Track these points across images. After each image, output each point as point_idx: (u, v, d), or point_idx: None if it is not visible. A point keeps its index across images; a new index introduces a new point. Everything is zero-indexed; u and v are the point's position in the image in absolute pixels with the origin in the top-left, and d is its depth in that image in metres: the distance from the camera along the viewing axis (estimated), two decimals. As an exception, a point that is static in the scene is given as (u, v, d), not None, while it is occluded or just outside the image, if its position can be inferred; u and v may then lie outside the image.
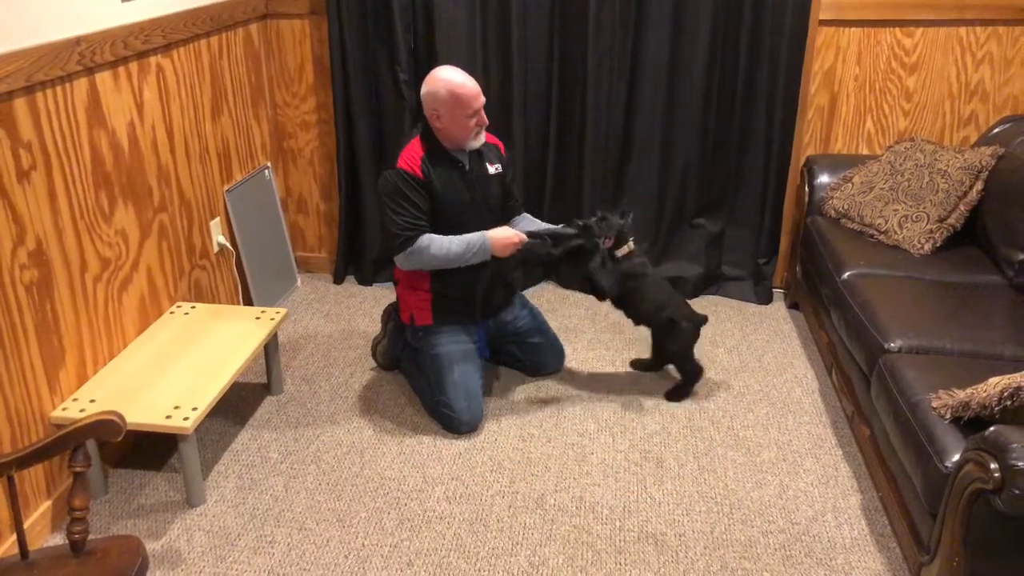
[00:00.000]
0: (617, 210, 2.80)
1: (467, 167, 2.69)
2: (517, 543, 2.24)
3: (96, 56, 2.33)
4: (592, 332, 3.32)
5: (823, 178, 3.31)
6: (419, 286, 2.75)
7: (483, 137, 2.66)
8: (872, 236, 3.06)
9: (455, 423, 2.68)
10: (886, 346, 2.36)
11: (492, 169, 2.76)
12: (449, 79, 2.55)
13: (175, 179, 2.83)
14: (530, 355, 2.97)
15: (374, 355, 3.07)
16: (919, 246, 2.93)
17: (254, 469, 2.53)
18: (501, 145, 2.84)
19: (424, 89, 2.58)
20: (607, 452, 2.60)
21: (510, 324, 2.92)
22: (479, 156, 2.73)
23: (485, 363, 2.91)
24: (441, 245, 2.60)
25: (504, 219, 2.85)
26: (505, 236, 2.63)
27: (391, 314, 3.03)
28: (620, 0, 3.23)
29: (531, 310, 3.00)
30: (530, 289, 3.67)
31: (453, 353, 2.73)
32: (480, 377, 2.78)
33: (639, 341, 3.20)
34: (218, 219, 3.13)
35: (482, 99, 2.58)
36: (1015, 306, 2.59)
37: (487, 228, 2.70)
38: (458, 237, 2.62)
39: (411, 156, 2.60)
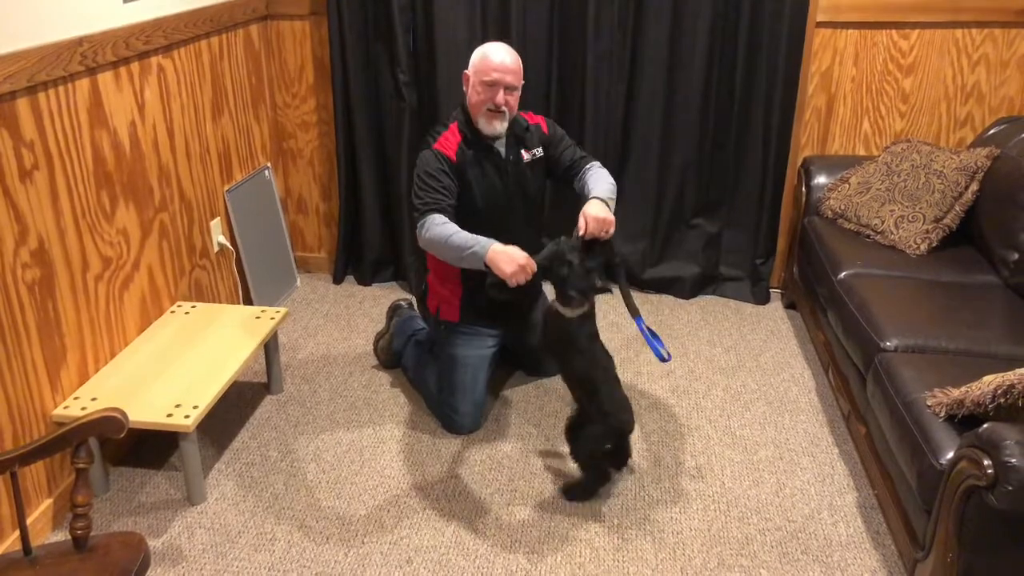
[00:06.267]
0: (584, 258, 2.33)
1: (503, 155, 2.62)
2: (516, 540, 2.25)
3: (98, 56, 2.35)
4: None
5: (820, 179, 3.32)
6: (451, 279, 2.71)
7: (498, 125, 2.54)
8: (869, 236, 3.08)
9: (456, 426, 2.69)
10: (882, 345, 2.38)
11: (528, 156, 2.66)
12: (489, 45, 2.54)
13: (176, 179, 2.84)
14: (530, 353, 2.98)
15: (376, 351, 3.09)
16: (915, 246, 2.95)
17: (254, 467, 2.54)
18: (543, 122, 2.71)
19: None
20: (605, 450, 2.61)
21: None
22: (516, 143, 2.64)
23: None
24: (444, 229, 2.40)
25: (568, 183, 2.69)
26: (508, 253, 2.31)
27: (395, 309, 3.04)
28: (619, 1, 3.25)
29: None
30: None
31: (469, 358, 2.72)
32: (487, 384, 2.77)
33: (636, 339, 3.22)
34: (218, 219, 3.14)
35: (508, 78, 2.49)
36: (1010, 306, 2.60)
37: (522, 216, 2.66)
38: (468, 233, 2.39)
39: (448, 140, 2.55)
